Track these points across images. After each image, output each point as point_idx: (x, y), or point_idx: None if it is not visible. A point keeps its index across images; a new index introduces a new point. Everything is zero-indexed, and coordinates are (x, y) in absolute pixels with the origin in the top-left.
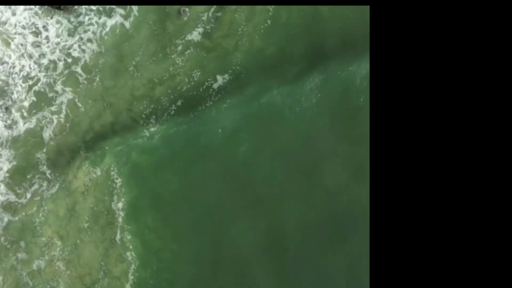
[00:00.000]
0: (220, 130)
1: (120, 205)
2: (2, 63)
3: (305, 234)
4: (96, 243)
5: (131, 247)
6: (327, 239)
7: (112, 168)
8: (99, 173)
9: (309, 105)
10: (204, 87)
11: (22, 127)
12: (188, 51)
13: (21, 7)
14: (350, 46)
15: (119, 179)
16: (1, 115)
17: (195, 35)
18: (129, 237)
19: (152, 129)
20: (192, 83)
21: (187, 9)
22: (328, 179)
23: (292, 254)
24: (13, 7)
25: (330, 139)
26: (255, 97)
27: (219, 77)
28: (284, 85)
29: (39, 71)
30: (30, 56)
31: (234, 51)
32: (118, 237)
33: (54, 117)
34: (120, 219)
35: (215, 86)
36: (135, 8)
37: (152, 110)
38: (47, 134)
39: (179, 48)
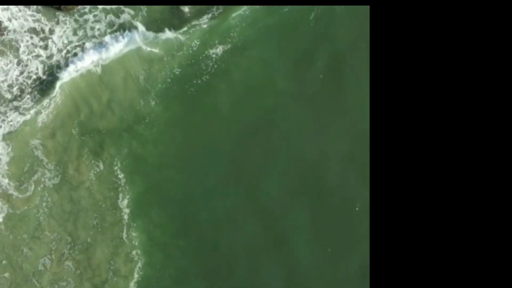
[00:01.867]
0: None
1: (125, 202)
2: (6, 68)
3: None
4: (106, 241)
5: (136, 244)
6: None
7: (115, 163)
8: (102, 167)
9: None
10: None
11: (23, 122)
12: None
13: (15, 10)
14: None
15: (122, 174)
16: (3, 117)
17: (203, 21)
18: (134, 234)
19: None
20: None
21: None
22: None
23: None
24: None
25: None
26: None
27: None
28: None
29: (44, 72)
30: (35, 58)
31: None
32: (124, 235)
33: (56, 111)
34: (126, 216)
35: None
36: (143, 8)
37: None
38: (42, 119)
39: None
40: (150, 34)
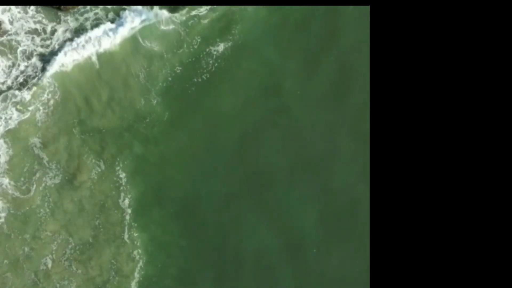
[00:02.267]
0: None
1: (126, 201)
2: (8, 70)
3: None
4: (107, 241)
5: (138, 244)
6: None
7: (116, 162)
8: (103, 166)
9: None
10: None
11: (22, 121)
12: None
13: (16, 11)
14: None
15: (124, 174)
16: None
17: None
18: (136, 233)
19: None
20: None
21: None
22: None
23: None
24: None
25: None
26: None
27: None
28: None
29: (44, 70)
30: (35, 57)
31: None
32: (126, 235)
33: (56, 110)
34: (127, 216)
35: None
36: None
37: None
38: (42, 117)
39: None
40: (148, 20)
